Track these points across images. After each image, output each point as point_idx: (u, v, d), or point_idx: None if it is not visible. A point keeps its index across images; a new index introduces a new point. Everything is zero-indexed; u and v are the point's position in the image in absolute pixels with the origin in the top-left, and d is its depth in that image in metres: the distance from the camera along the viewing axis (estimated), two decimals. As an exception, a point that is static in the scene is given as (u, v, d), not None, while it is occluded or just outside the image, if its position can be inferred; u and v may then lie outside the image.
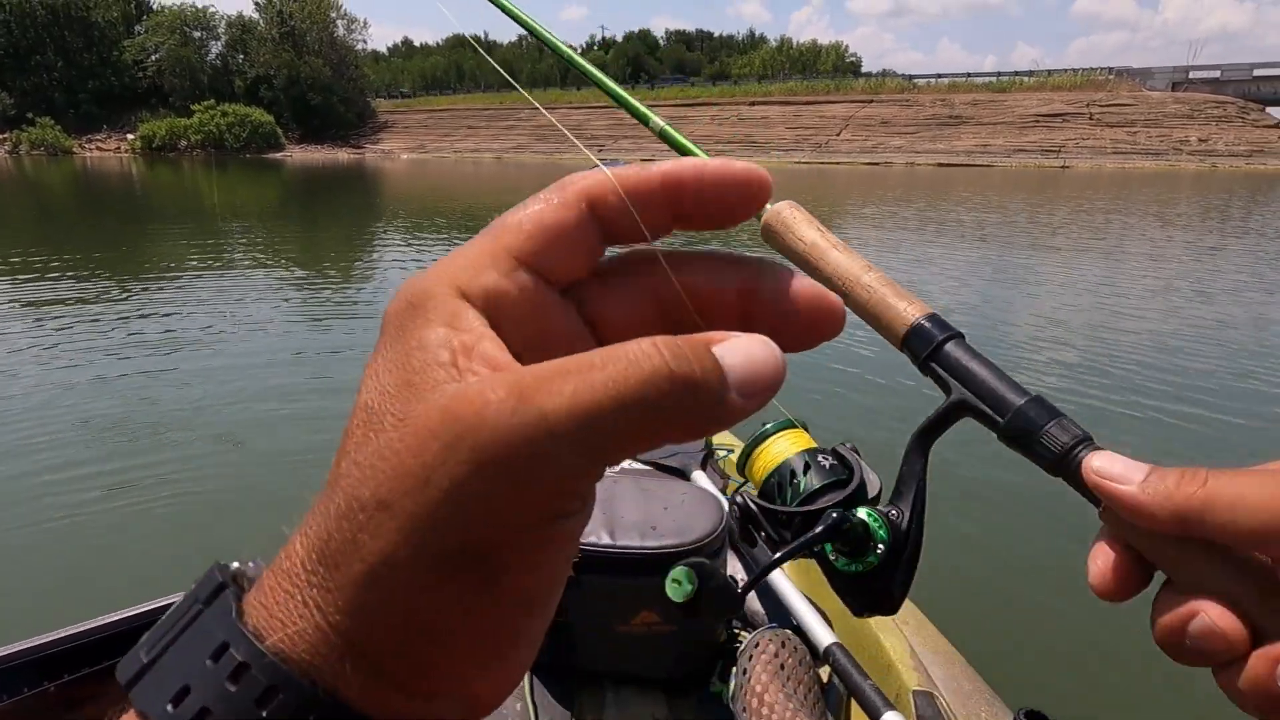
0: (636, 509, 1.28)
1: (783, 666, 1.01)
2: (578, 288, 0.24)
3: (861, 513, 0.43)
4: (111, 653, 0.29)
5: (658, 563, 1.20)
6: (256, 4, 62.75)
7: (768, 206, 0.53)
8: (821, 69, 70.63)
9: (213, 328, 5.91)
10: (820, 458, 0.56)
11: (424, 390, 0.20)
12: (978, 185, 27.23)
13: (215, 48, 65.31)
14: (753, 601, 1.37)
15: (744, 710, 1.03)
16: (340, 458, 0.20)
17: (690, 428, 0.20)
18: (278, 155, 54.54)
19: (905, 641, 1.19)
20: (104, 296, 6.92)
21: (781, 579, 1.30)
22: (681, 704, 1.24)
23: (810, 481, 0.53)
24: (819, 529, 0.43)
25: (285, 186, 27.04)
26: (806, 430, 0.62)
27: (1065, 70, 55.07)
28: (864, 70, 73.66)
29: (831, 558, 0.44)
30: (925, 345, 0.42)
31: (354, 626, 0.19)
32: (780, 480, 0.62)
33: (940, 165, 43.94)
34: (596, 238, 0.23)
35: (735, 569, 1.44)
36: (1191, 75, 51.73)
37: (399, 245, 11.48)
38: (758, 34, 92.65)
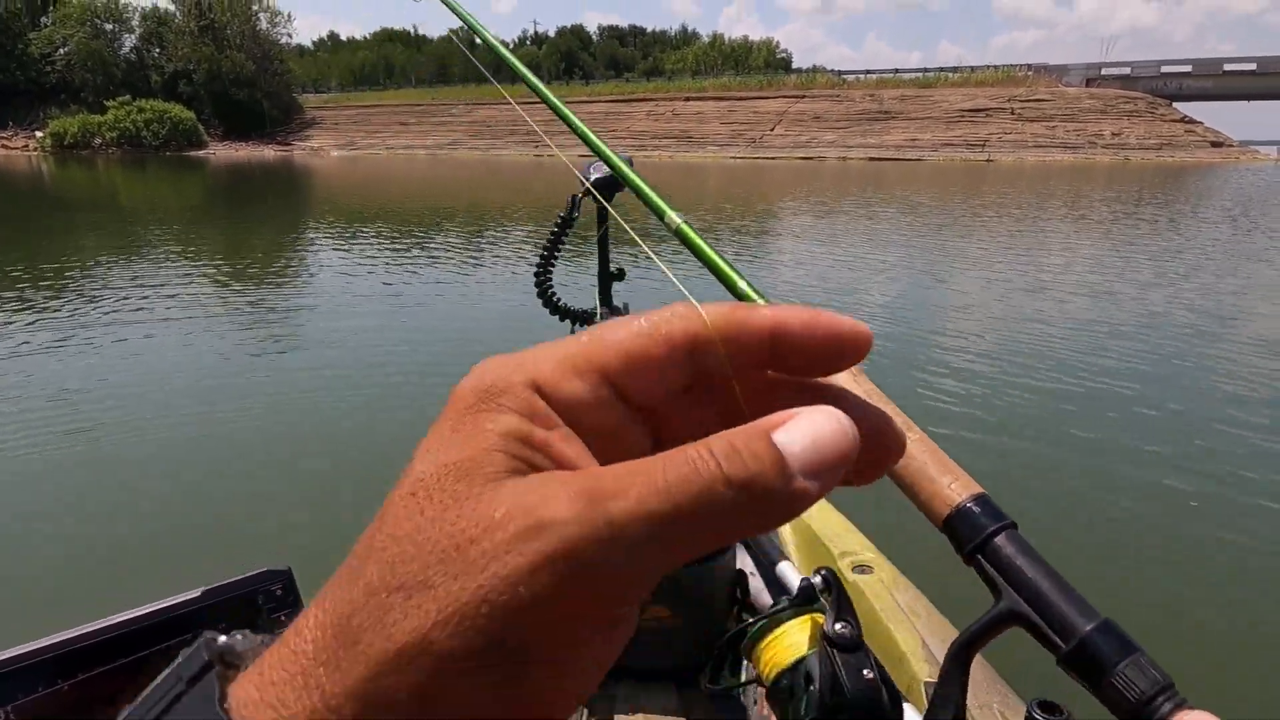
0: None
1: (791, 661, 1.02)
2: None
3: None
4: (125, 650, 0.30)
5: None
6: (172, -4, 60.30)
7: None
8: (754, 65, 71.39)
9: (129, 330, 5.67)
10: (841, 663, 0.49)
11: (490, 476, 0.19)
12: (909, 179, 27.93)
13: (129, 41, 62.50)
14: (761, 595, 1.38)
15: (754, 703, 1.04)
16: (377, 529, 0.20)
17: (760, 524, 0.20)
18: (200, 153, 52.54)
19: (916, 633, 1.21)
20: (13, 303, 6.57)
21: (791, 571, 1.31)
22: (692, 696, 1.24)
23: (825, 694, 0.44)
24: None
25: (209, 185, 26.07)
26: (828, 601, 0.55)
27: (987, 67, 56.90)
28: (795, 66, 74.84)
29: None
30: (974, 533, 0.37)
31: (360, 712, 0.18)
32: (793, 684, 0.55)
33: (872, 160, 44.91)
34: (687, 373, 0.23)
35: (744, 561, 1.44)
36: (1104, 71, 54.02)
37: (330, 244, 11.20)
38: (690, 29, 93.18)
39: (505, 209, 16.11)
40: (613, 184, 2.24)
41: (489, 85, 73.05)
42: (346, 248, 10.82)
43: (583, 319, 2.40)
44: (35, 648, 0.28)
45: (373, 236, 11.82)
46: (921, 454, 0.42)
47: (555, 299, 2.37)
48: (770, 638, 0.58)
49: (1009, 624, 0.35)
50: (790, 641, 0.54)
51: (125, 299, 6.87)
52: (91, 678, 0.29)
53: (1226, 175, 31.73)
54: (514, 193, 21.25)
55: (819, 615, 0.58)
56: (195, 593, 0.32)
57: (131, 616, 0.30)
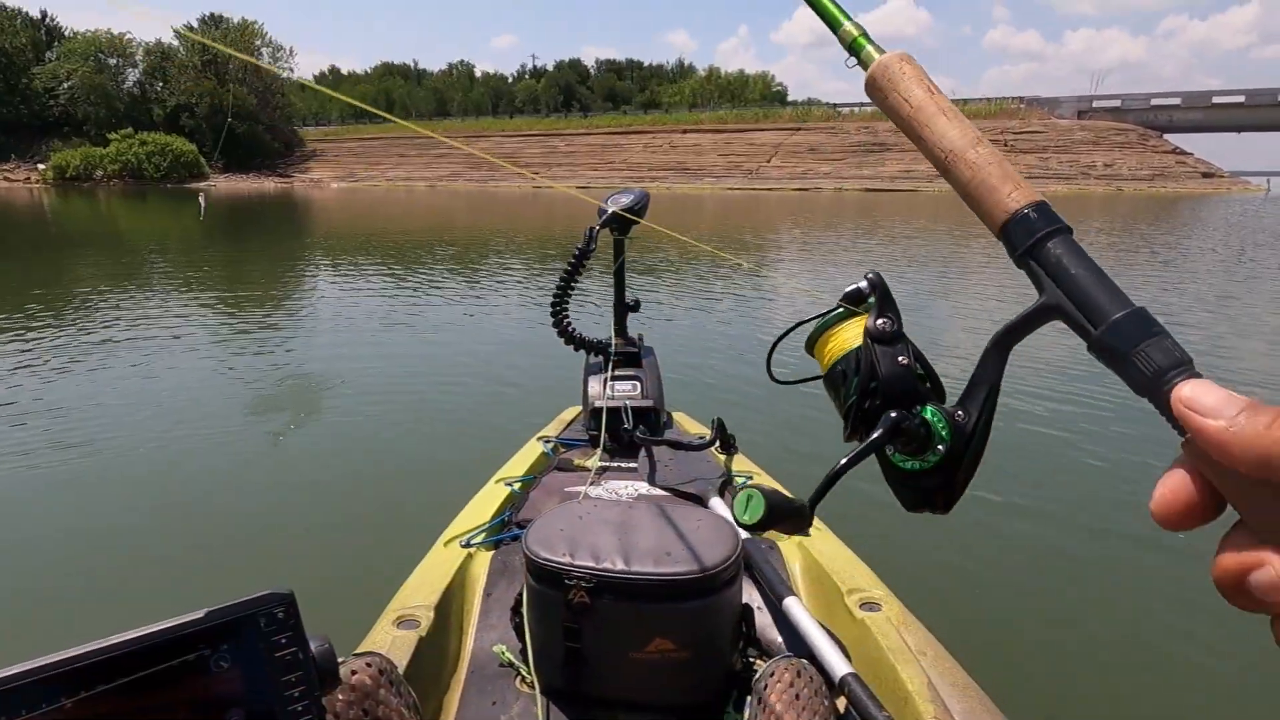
0: (652, 535, 1.26)
1: (798, 696, 1.00)
2: None
3: (926, 412, 0.41)
4: (129, 670, 0.31)
5: (672, 590, 1.19)
6: (177, 33, 61.08)
7: (875, 56, 0.52)
8: (750, 98, 72.25)
9: (134, 358, 5.67)
10: (880, 353, 0.58)
11: None
12: (904, 209, 28.16)
13: (133, 75, 63.21)
14: (768, 630, 1.36)
15: None
16: None
17: None
18: (202, 185, 52.88)
19: (923, 673, 1.18)
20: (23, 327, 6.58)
21: (797, 607, 1.30)
22: None
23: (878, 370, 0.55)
24: (879, 432, 0.41)
25: (209, 216, 26.23)
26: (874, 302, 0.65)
27: (980, 99, 57.62)
28: (790, 99, 75.72)
29: (889, 452, 0.42)
30: (1026, 237, 0.39)
31: None
32: (845, 369, 0.66)
33: (868, 190, 45.29)
34: None
35: (751, 596, 1.43)
36: (1095, 104, 54.74)
37: (330, 272, 11.24)
38: (686, 63, 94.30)
39: (506, 235, 16.22)
40: (630, 216, 2.26)
41: (485, 119, 73.87)
42: (346, 275, 10.87)
43: (597, 349, 2.41)
44: (39, 664, 0.29)
45: (375, 263, 11.88)
46: (987, 164, 0.43)
47: (571, 329, 2.38)
48: (826, 334, 0.68)
49: (1048, 317, 0.38)
50: (845, 337, 0.63)
51: (129, 324, 6.89)
52: (94, 695, 0.31)
53: (1219, 205, 32.02)
54: (510, 219, 21.42)
55: (867, 315, 0.66)
56: (199, 614, 0.34)
57: (135, 636, 0.32)
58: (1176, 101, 53.51)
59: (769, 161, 53.74)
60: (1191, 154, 49.20)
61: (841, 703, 1.14)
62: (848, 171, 49.99)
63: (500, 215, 25.84)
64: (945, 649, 1.27)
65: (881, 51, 0.53)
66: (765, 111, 63.16)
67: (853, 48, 0.55)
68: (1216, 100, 53.02)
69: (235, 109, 58.25)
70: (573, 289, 2.29)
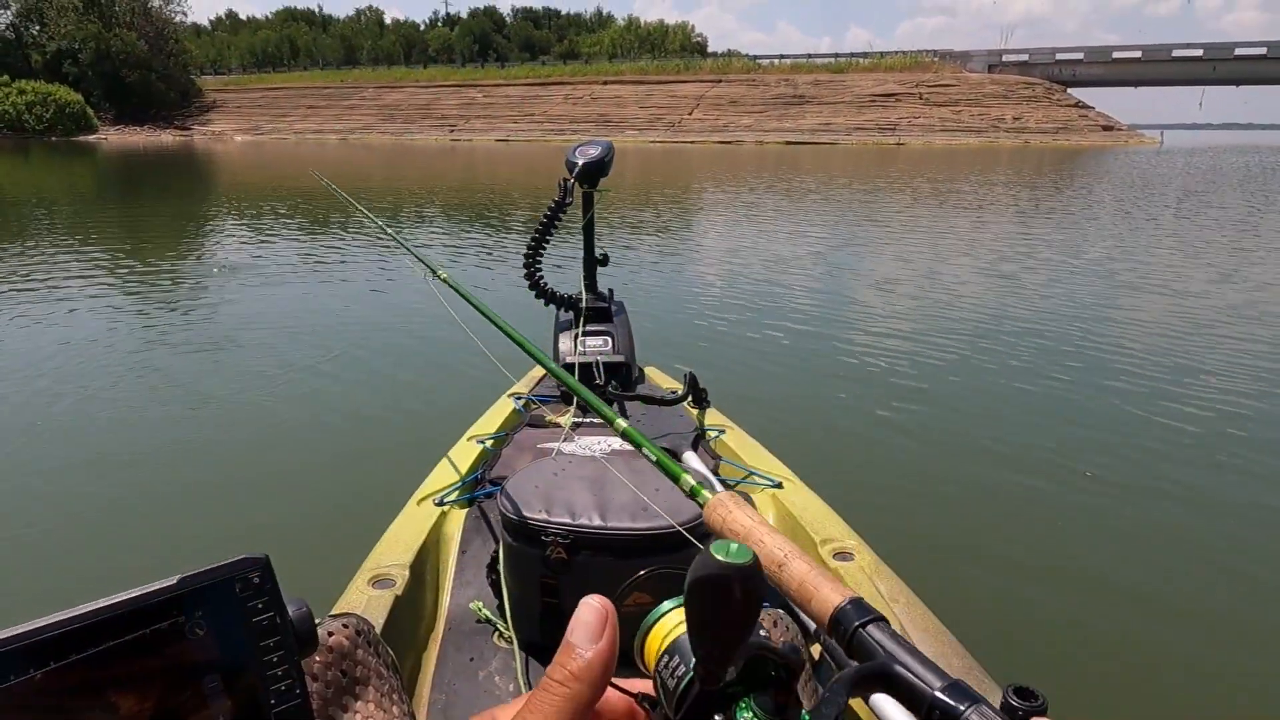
0: (628, 491, 1.27)
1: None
2: None
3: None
4: (101, 638, 0.31)
5: (650, 544, 1.21)
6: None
7: (709, 496, 0.68)
8: (670, 49, 71.45)
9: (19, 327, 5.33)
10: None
11: None
12: (823, 161, 28.51)
13: (4, 17, 58.21)
14: None
15: None
16: None
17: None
18: (90, 138, 49.42)
19: (896, 619, 1.21)
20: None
21: None
22: None
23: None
24: None
25: (101, 172, 24.59)
26: None
27: (895, 52, 58.49)
28: (710, 50, 75.23)
29: None
30: (853, 621, 0.47)
31: None
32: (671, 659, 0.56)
33: (788, 143, 45.65)
34: None
35: None
36: (1004, 58, 56.25)
37: (238, 230, 10.73)
38: (605, 12, 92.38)
39: (450, 188, 15.74)
40: (599, 168, 2.21)
41: (398, 68, 70.95)
42: (281, 233, 10.38)
43: (568, 305, 2.37)
44: (5, 635, 0.29)
45: (306, 219, 11.36)
46: (810, 569, 0.52)
47: (543, 284, 2.33)
48: (652, 631, 0.53)
49: (882, 680, 0.43)
50: (670, 624, 0.50)
51: (60, 280, 6.45)
52: (65, 666, 0.31)
53: (1117, 157, 33.50)
54: (431, 175, 20.78)
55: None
56: (171, 580, 0.34)
57: (106, 604, 0.32)
58: (1080, 56, 55.52)
59: (690, 114, 53.47)
60: (1093, 108, 51.20)
61: (817, 650, 1.17)
62: (768, 124, 50.19)
63: (436, 171, 25.00)
64: (917, 596, 1.31)
65: (715, 492, 0.68)
66: (686, 63, 62.62)
67: (692, 493, 0.73)
68: (1116, 55, 55.26)
69: (124, 55, 54.38)
70: (547, 243, 2.25)
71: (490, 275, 7.39)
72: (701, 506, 0.68)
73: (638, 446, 0.79)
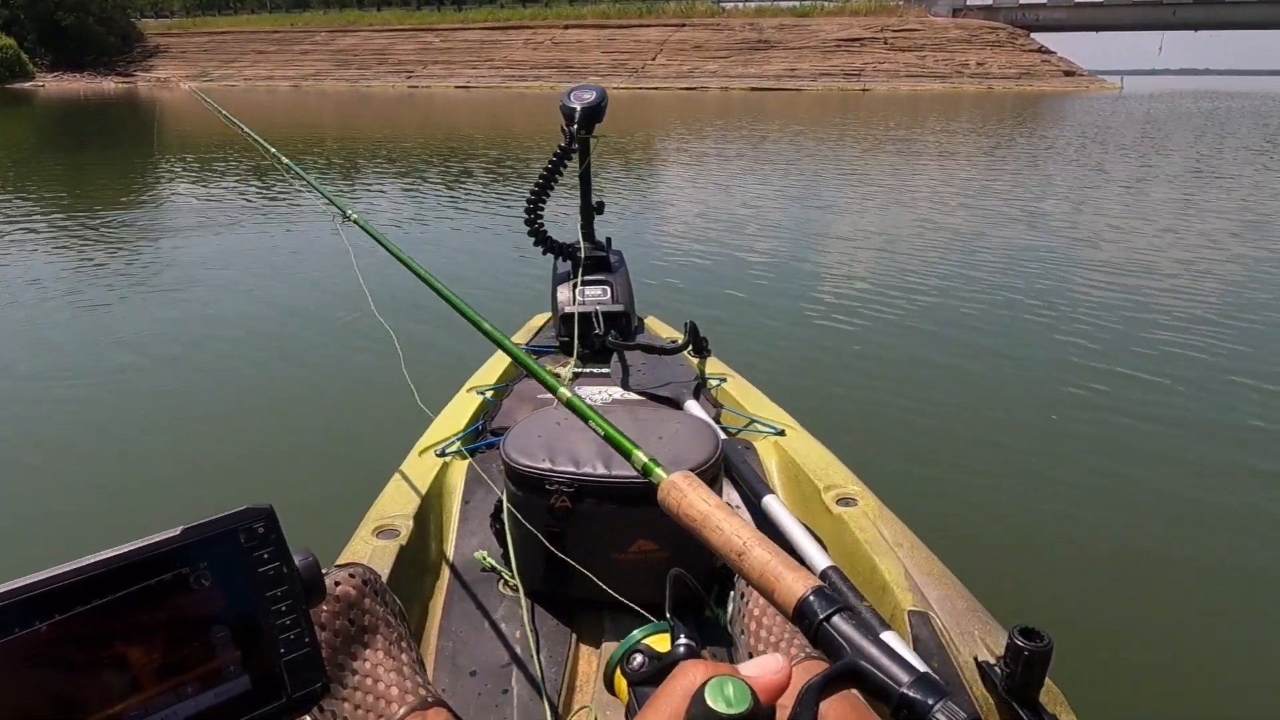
0: (632, 439, 1.27)
1: (778, 591, 1.04)
2: None
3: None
4: (104, 590, 0.30)
5: (654, 492, 1.20)
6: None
7: (664, 476, 0.64)
8: (632, -9, 69.73)
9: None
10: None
11: None
12: (789, 108, 28.27)
13: (-74, -45, 54.71)
14: None
15: (742, 633, 1.05)
16: None
17: None
18: (26, 85, 47.14)
19: (900, 563, 1.22)
20: None
21: (775, 505, 1.33)
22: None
23: None
24: None
25: (40, 121, 23.52)
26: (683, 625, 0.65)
27: (861, -5, 57.73)
28: (674, -7, 73.50)
29: None
30: (819, 613, 0.46)
31: None
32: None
33: (753, 90, 45.14)
34: None
35: (730, 496, 1.45)
36: (969, 2, 55.88)
37: (186, 182, 10.36)
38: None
39: (434, 136, 15.33)
40: (595, 113, 2.15)
41: (350, 10, 68.39)
42: (257, 184, 10.04)
43: (565, 253, 2.33)
44: (10, 587, 0.29)
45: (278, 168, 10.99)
46: (772, 556, 0.51)
47: (544, 231, 2.28)
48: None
49: (850, 679, 0.42)
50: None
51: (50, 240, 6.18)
52: (70, 618, 0.30)
53: (1079, 102, 33.69)
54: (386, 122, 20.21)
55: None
56: (175, 531, 0.34)
57: (110, 556, 0.31)
58: (1043, 0, 55.36)
59: (654, 59, 52.49)
60: (1055, 53, 51.29)
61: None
62: (733, 70, 49.50)
63: (395, 119, 24.30)
64: (920, 540, 1.32)
65: (669, 473, 0.64)
66: (649, 6, 61.22)
67: (644, 470, 0.67)
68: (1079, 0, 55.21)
69: (58, -3, 51.61)
70: (550, 190, 2.20)
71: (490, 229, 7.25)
72: (655, 486, 0.65)
73: (584, 419, 0.74)
